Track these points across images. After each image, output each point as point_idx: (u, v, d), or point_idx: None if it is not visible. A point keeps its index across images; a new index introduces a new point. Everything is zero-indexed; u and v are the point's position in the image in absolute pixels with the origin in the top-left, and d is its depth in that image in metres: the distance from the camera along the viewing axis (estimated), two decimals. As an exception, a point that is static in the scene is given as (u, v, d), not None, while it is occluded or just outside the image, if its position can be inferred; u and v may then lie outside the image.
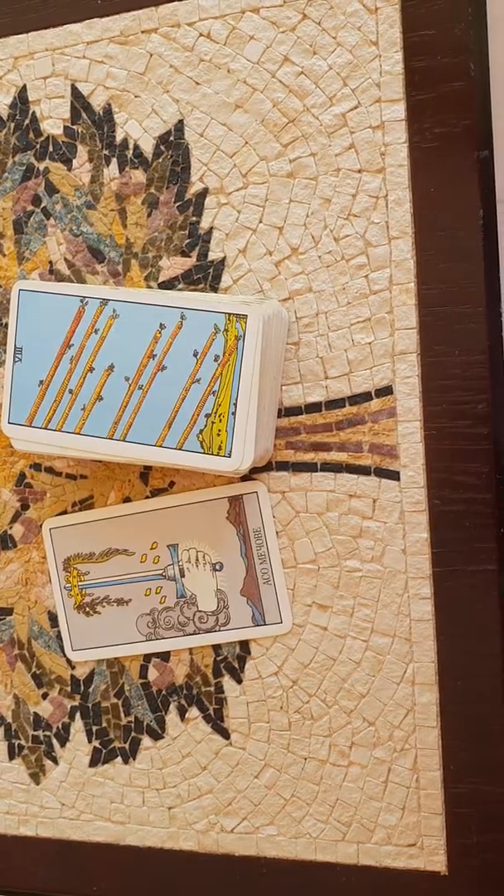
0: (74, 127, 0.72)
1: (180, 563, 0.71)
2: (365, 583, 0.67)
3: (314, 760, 0.69)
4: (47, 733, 0.76)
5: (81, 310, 0.67)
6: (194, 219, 0.69)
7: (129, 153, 0.70)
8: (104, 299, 0.67)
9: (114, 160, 0.71)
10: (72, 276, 0.73)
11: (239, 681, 0.70)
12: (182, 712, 0.72)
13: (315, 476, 0.67)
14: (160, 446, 0.65)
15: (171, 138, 0.69)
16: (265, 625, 0.69)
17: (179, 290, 0.70)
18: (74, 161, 0.72)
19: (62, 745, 0.75)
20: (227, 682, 0.71)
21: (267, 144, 0.67)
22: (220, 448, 0.64)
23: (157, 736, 0.73)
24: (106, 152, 0.71)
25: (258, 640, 0.70)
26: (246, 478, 0.69)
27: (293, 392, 0.68)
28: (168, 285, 0.70)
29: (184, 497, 0.71)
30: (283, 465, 0.68)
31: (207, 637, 0.71)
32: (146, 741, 0.73)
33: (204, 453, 0.64)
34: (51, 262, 0.73)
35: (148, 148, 0.70)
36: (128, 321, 0.66)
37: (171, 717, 0.72)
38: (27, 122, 0.73)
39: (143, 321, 0.66)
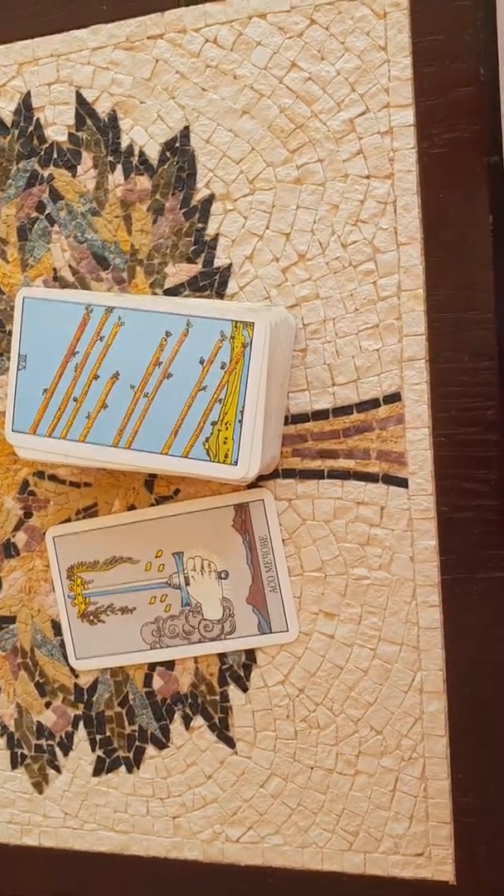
0: (79, 133, 0.72)
1: (185, 572, 0.71)
2: (372, 591, 0.66)
3: (321, 769, 0.68)
4: (50, 742, 0.75)
5: (86, 317, 0.67)
6: (200, 225, 0.69)
7: (135, 159, 0.70)
8: (109, 306, 0.66)
9: (119, 166, 0.71)
10: (76, 283, 0.72)
11: (244, 689, 0.70)
12: (187, 721, 0.71)
13: (322, 483, 0.67)
14: (166, 454, 0.65)
15: (177, 144, 0.69)
16: (271, 633, 0.69)
17: (185, 297, 0.69)
18: (79, 167, 0.72)
19: (65, 754, 0.75)
20: (233, 690, 0.70)
21: (274, 150, 0.67)
22: (226, 456, 0.64)
23: (161, 745, 0.72)
24: (111, 159, 0.71)
25: (264, 649, 0.69)
26: (252, 485, 0.68)
27: (300, 399, 0.67)
28: (173, 292, 0.70)
29: (189, 505, 0.70)
30: (289, 473, 0.68)
31: (213, 646, 0.70)
32: (150, 750, 0.73)
33: (210, 461, 0.64)
34: (55, 269, 0.73)
35: (153, 154, 0.70)
36: (133, 328, 0.66)
37: (176, 725, 0.72)
38: (31, 128, 0.73)
39: (148, 328, 0.65)
